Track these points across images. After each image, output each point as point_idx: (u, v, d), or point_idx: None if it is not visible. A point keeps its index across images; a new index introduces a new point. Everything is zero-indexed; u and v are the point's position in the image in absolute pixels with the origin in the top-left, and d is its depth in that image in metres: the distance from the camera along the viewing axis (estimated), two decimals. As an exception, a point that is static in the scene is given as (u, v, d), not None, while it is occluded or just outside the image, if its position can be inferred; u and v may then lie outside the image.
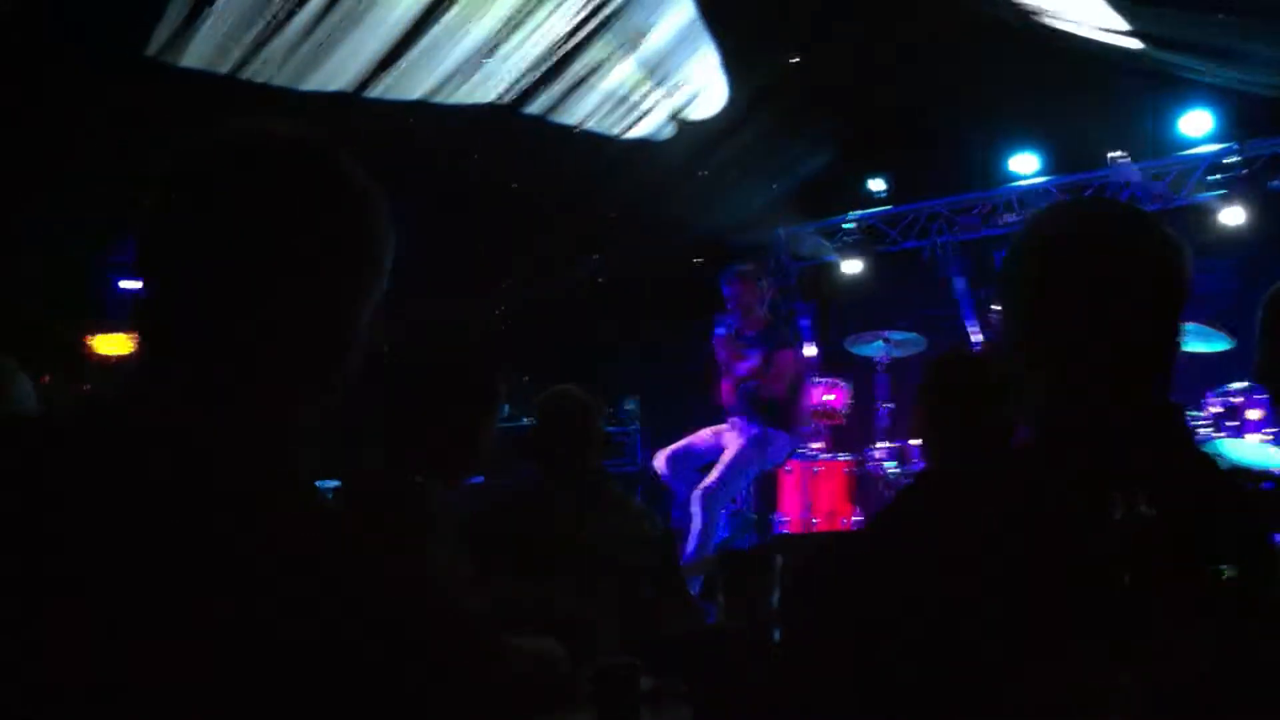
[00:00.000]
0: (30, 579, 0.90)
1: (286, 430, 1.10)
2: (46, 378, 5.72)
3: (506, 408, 3.60)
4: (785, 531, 6.64)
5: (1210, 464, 1.52)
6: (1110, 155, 7.17)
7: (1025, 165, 8.06)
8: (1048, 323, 1.51)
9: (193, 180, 1.08)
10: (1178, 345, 1.53)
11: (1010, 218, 7.98)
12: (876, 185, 8.46)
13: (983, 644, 1.34)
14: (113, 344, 6.68)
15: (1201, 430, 5.49)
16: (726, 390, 6.68)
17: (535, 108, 6.84)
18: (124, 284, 6.28)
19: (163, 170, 1.09)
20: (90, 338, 6.66)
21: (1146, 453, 1.45)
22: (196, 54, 5.55)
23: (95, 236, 6.07)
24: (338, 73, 6.03)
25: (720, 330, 6.50)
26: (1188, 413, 1.54)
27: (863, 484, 6.89)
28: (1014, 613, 1.34)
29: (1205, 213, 7.37)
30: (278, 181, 1.09)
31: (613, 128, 7.27)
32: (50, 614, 0.89)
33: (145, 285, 1.08)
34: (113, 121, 5.60)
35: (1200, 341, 5.76)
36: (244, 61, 5.70)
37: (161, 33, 5.35)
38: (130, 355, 1.09)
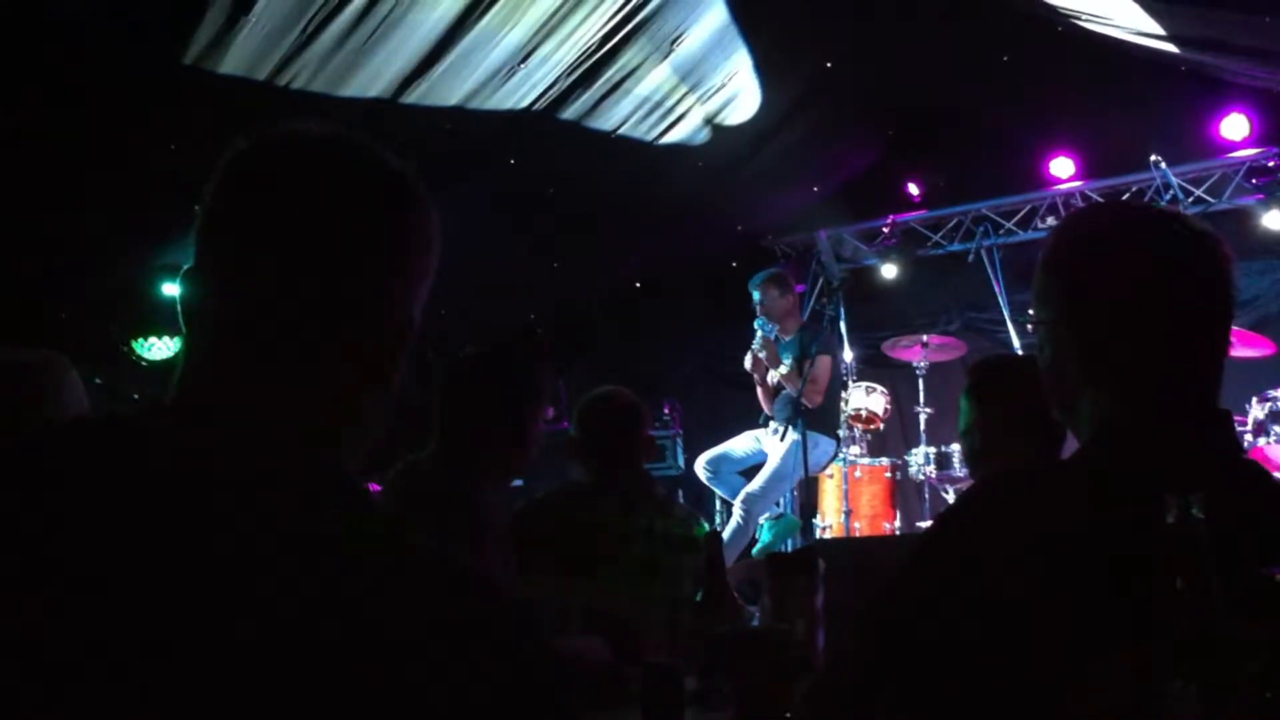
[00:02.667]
0: (55, 582, 0.89)
1: (343, 428, 1.11)
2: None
3: (551, 410, 3.60)
4: (828, 536, 6.62)
5: (1259, 470, 1.51)
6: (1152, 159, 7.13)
7: (1064, 169, 8.03)
8: (1092, 331, 1.50)
9: (243, 179, 1.10)
10: (1225, 351, 1.52)
11: (1052, 221, 7.94)
12: (913, 189, 8.44)
13: (1034, 650, 1.34)
14: (158, 348, 6.75)
15: (1244, 436, 5.45)
16: (762, 396, 6.68)
17: (570, 113, 6.86)
18: (168, 288, 6.35)
19: (215, 170, 1.10)
20: (136, 341, 6.73)
21: (1198, 459, 1.44)
22: (234, 61, 5.60)
23: (140, 241, 6.12)
24: (374, 79, 6.06)
25: (759, 335, 6.49)
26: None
27: (904, 489, 6.88)
28: (1066, 619, 1.33)
29: (1246, 217, 7.32)
30: (325, 177, 1.10)
31: (648, 133, 7.27)
32: (73, 614, 0.88)
33: (197, 285, 1.10)
34: (154, 127, 5.66)
35: (1242, 346, 5.71)
36: (281, 68, 5.75)
37: (200, 40, 5.40)
38: (177, 357, 1.10)
